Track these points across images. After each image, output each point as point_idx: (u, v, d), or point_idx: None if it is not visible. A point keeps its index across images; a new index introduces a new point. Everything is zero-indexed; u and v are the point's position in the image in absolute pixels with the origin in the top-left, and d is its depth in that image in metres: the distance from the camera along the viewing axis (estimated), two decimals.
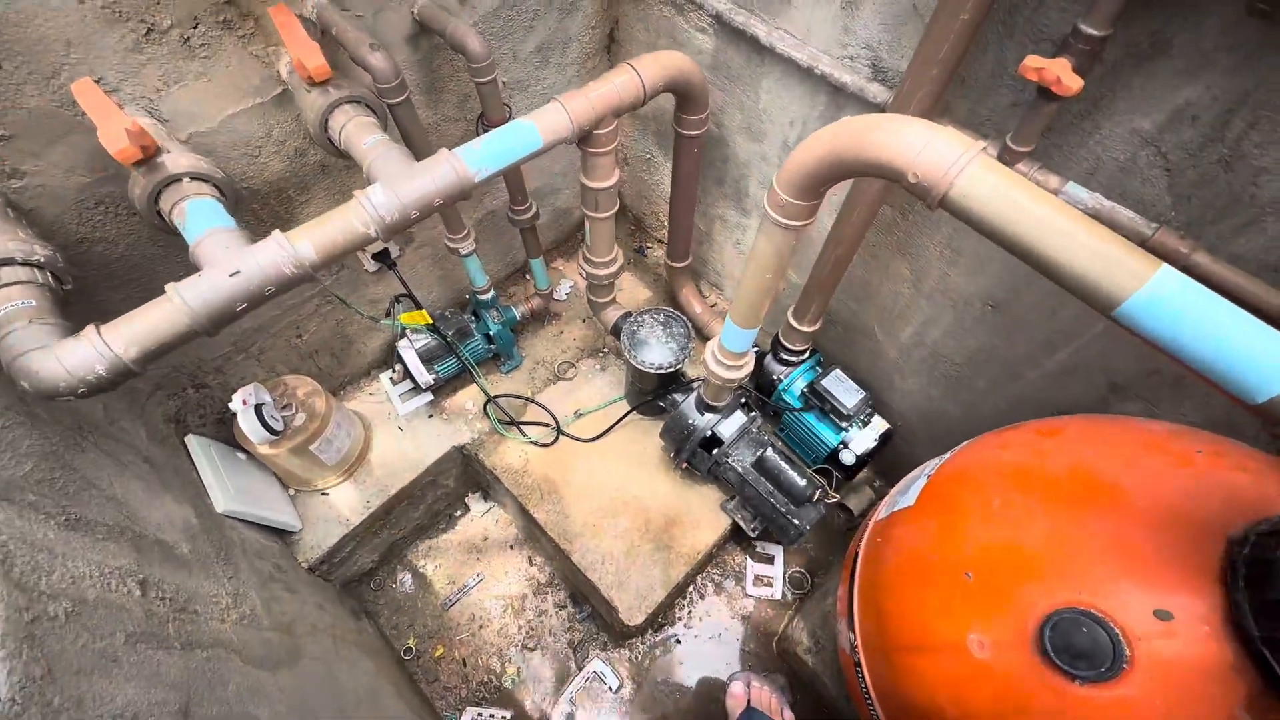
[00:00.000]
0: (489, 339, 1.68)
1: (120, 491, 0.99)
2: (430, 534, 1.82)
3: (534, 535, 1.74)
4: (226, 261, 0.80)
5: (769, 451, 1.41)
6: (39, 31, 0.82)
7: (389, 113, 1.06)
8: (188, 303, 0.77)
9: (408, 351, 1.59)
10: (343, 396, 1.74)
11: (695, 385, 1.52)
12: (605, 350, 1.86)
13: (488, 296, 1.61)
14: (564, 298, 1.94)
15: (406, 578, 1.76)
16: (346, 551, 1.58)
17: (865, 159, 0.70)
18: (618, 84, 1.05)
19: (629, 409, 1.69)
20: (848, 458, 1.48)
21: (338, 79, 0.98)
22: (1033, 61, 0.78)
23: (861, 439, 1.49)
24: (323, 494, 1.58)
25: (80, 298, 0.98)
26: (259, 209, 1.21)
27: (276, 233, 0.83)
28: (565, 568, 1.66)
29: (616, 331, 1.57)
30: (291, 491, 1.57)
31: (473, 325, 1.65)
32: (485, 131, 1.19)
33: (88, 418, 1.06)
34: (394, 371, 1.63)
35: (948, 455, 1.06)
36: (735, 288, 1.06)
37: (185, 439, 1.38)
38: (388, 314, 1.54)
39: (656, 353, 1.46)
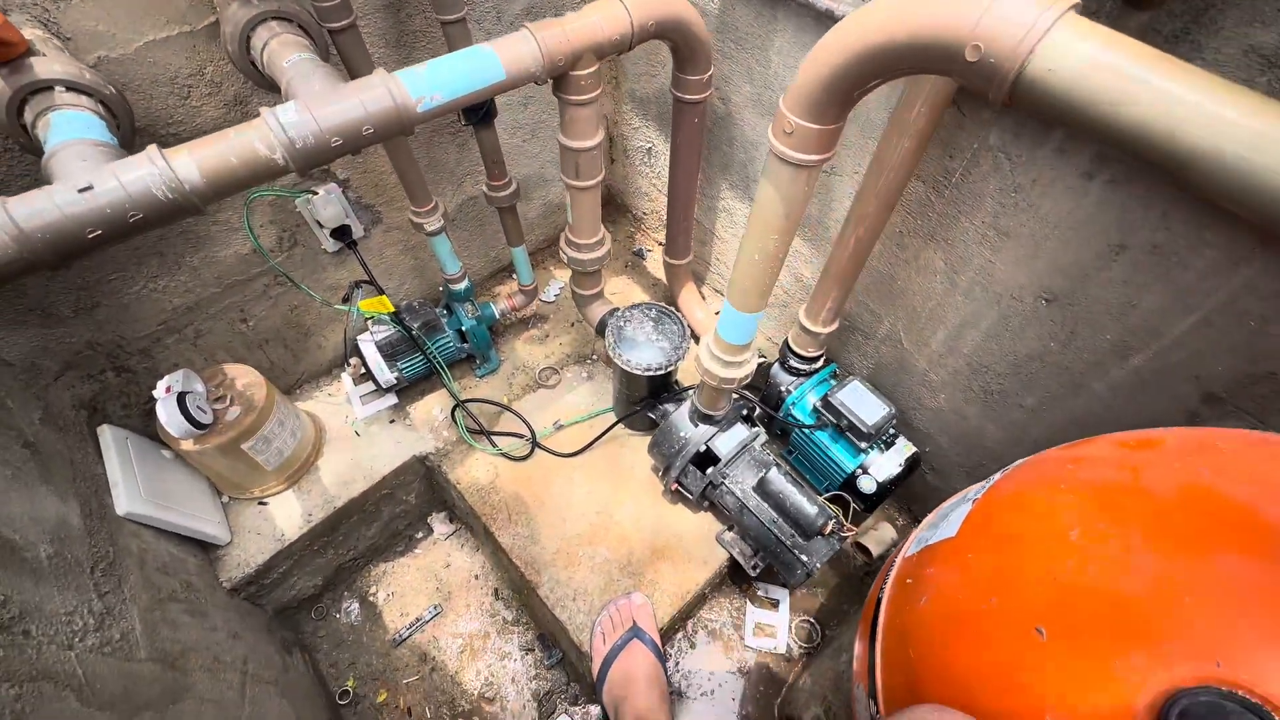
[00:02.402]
0: (462, 336, 1.50)
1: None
2: (386, 556, 1.61)
3: (501, 564, 1.52)
4: (80, 175, 0.63)
5: (773, 472, 1.19)
6: None
7: (331, 42, 0.91)
8: (16, 220, 0.60)
9: (367, 345, 1.41)
10: (299, 395, 1.56)
11: (689, 394, 1.31)
12: (594, 356, 1.67)
13: (461, 286, 1.43)
14: (552, 299, 1.77)
15: (354, 606, 1.54)
16: (280, 571, 1.37)
17: (904, 38, 0.51)
18: (599, 17, 0.89)
19: (615, 421, 1.49)
20: (867, 485, 1.26)
21: None
22: None
23: (884, 463, 1.26)
24: (260, 503, 1.38)
25: None
26: None
27: (152, 147, 0.66)
28: (533, 603, 1.43)
29: (602, 329, 1.38)
30: (225, 499, 1.38)
31: (444, 319, 1.47)
32: None
33: None
34: (350, 366, 1.44)
35: (997, 475, 0.84)
36: (734, 260, 0.88)
37: (98, 429, 1.20)
38: (345, 299, 1.37)
39: (646, 353, 1.27)
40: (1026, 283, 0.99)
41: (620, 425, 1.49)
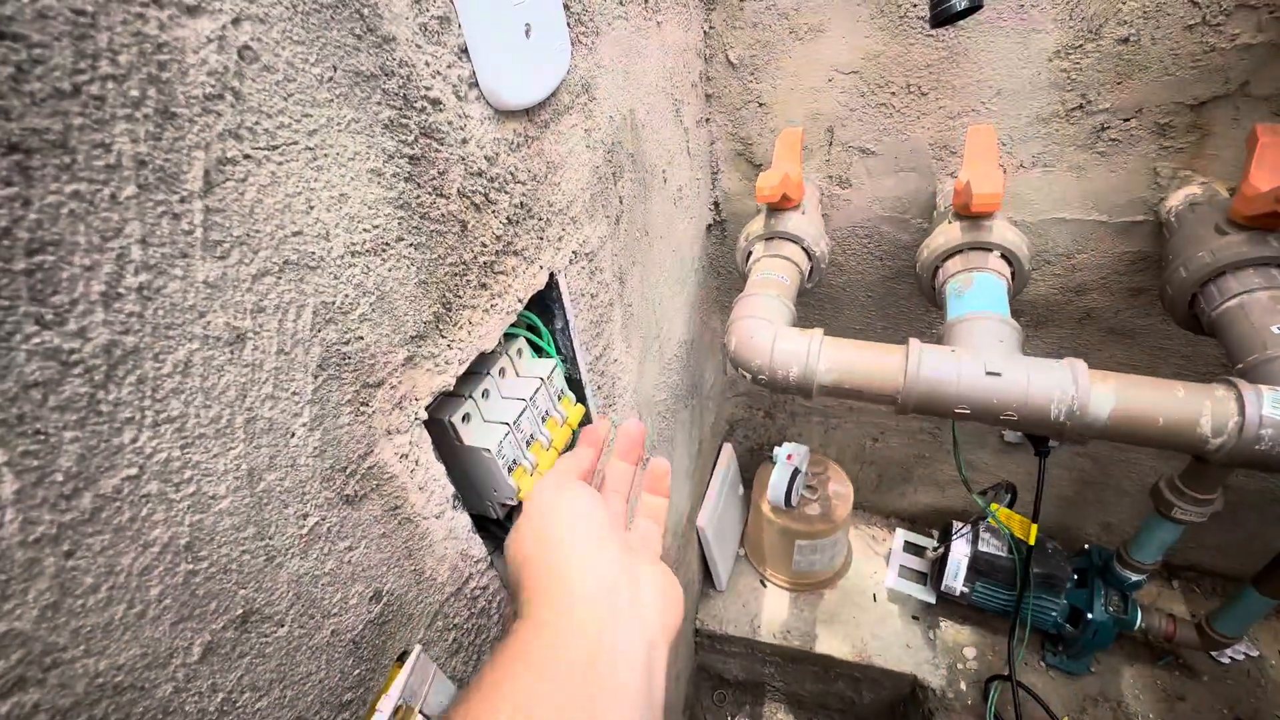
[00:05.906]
0: (1074, 615, 1.12)
1: (676, 452, 1.00)
2: (798, 717, 1.44)
3: None
4: (989, 355, 0.59)
5: None
6: (969, 76, 0.78)
7: None
8: (912, 367, 0.60)
9: (962, 544, 1.20)
10: (854, 519, 1.51)
11: None
12: None
13: (1133, 578, 1.05)
14: (1226, 662, 1.17)
15: None
16: (726, 650, 1.37)
17: None
18: None
19: None
20: None
21: None
22: None
23: None
24: (761, 582, 1.40)
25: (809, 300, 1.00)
26: None
27: (1078, 362, 0.57)
28: None
29: None
30: (742, 551, 1.45)
31: (1068, 584, 1.13)
32: None
33: (699, 384, 1.12)
34: (936, 543, 1.27)
35: None
36: None
37: (723, 443, 1.40)
38: (984, 492, 1.18)
39: None
40: None
41: None
